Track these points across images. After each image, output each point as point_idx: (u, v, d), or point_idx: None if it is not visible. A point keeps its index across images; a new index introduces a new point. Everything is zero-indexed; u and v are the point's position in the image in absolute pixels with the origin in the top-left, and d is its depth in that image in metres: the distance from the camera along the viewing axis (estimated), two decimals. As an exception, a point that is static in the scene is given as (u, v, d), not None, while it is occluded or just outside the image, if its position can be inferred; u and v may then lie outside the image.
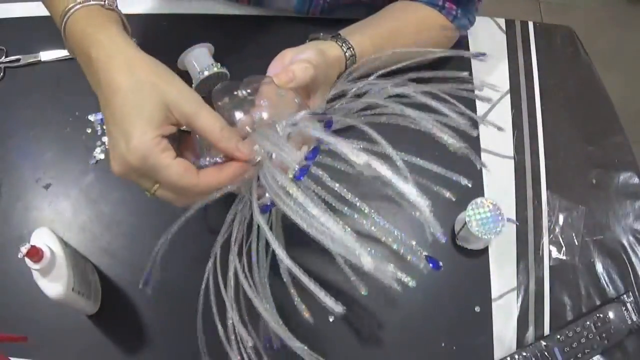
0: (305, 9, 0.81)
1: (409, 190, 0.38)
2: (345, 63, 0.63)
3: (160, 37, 0.78)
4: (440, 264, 0.51)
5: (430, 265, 0.50)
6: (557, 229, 0.73)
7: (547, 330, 0.68)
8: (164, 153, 0.43)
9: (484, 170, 0.76)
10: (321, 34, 0.66)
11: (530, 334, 0.68)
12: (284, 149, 0.44)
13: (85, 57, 0.46)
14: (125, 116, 0.43)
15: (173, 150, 0.44)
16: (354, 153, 0.39)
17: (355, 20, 0.75)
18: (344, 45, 0.63)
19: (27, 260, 0.51)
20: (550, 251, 0.72)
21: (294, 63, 0.54)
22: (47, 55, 0.77)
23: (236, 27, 0.82)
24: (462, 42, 0.80)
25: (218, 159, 0.47)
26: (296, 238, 0.47)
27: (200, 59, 0.71)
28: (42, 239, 0.55)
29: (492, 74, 0.83)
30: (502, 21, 0.87)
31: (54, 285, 0.54)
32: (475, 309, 0.68)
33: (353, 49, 0.64)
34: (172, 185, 0.44)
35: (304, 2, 0.80)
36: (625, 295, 0.69)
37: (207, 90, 0.68)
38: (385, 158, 0.42)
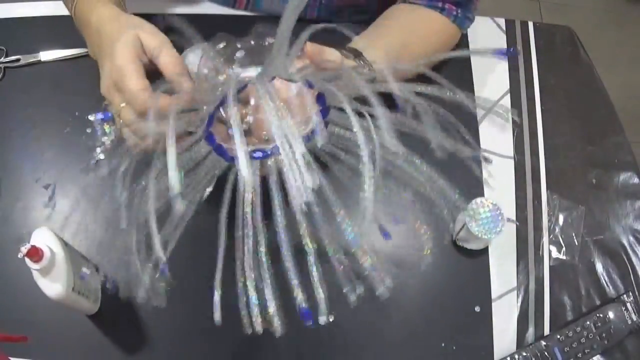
0: (303, 13, 0.81)
1: None
2: None
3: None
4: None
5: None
6: (557, 229, 0.73)
7: (547, 330, 0.68)
8: (135, 65, 0.51)
9: (484, 170, 0.75)
10: (343, 50, 0.66)
11: (530, 334, 0.68)
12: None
13: (87, 22, 0.60)
14: (111, 44, 0.53)
15: (143, 73, 0.52)
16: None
17: (353, 23, 0.75)
18: (366, 67, 0.63)
19: (27, 260, 0.51)
20: (550, 251, 0.72)
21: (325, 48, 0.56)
22: (47, 55, 0.77)
23: (236, 28, 0.82)
24: (461, 42, 0.80)
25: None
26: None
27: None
28: (42, 239, 0.55)
29: (492, 74, 0.83)
30: (502, 21, 0.87)
31: (54, 285, 0.54)
32: (475, 309, 0.68)
33: (374, 71, 0.63)
34: (131, 96, 0.50)
35: None
36: (625, 295, 0.69)
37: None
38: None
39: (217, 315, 0.46)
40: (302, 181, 0.36)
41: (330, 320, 0.65)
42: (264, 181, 0.45)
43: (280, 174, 0.45)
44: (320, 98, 0.49)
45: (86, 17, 0.60)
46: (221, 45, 0.53)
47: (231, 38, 0.55)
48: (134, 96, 0.50)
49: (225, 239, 0.47)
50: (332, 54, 0.56)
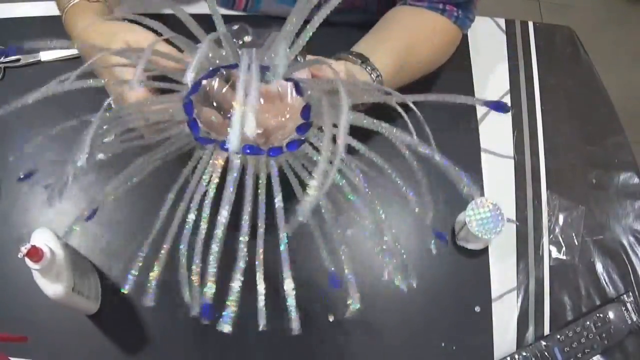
0: None
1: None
2: None
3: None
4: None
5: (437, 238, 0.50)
6: (557, 229, 0.73)
7: (547, 330, 0.68)
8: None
9: (484, 170, 0.76)
10: (350, 56, 0.64)
11: (530, 334, 0.68)
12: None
13: (72, 36, 0.62)
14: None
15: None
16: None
17: (352, 24, 0.75)
18: (373, 73, 0.63)
19: (27, 260, 0.51)
20: (550, 251, 0.72)
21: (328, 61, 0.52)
22: (47, 55, 0.77)
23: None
24: (462, 42, 0.80)
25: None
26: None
27: None
28: (42, 239, 0.55)
29: (492, 74, 0.83)
30: (502, 21, 0.87)
31: (54, 285, 0.54)
32: (475, 309, 0.68)
33: (381, 77, 0.63)
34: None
35: None
36: (625, 295, 0.69)
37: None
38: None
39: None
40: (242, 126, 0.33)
41: (331, 320, 0.66)
42: (224, 172, 0.44)
43: (243, 170, 0.44)
44: (305, 111, 0.46)
45: (71, 34, 0.62)
46: (234, 27, 0.52)
47: (246, 27, 0.54)
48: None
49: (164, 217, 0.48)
50: (335, 71, 0.52)
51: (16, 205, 0.70)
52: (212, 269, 0.41)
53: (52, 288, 0.54)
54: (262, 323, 0.43)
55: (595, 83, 0.84)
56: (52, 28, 0.80)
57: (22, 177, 0.51)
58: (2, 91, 0.76)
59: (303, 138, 0.45)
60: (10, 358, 0.58)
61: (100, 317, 0.64)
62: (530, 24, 0.87)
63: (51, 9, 0.81)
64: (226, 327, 0.40)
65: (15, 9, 0.81)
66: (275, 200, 0.44)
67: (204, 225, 0.43)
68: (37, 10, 0.81)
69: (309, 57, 0.53)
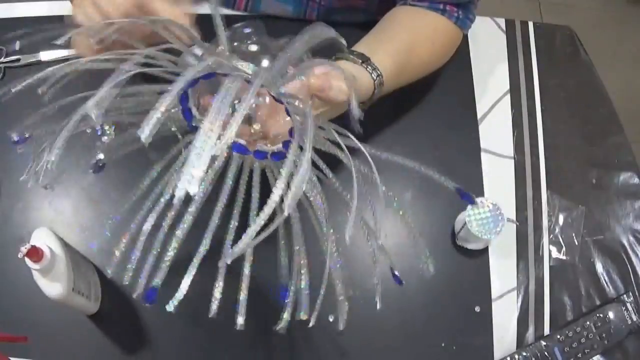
0: (302, 14, 0.81)
1: None
2: (372, 92, 0.62)
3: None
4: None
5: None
6: (557, 229, 0.73)
7: (547, 330, 0.68)
8: None
9: (484, 170, 0.76)
10: (351, 55, 0.63)
11: (530, 334, 0.68)
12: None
13: None
14: None
15: None
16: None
17: (352, 24, 0.75)
18: (373, 72, 0.62)
19: (27, 260, 0.51)
20: (550, 251, 0.72)
21: (334, 77, 0.51)
22: (47, 55, 0.77)
23: (236, 27, 0.82)
24: (462, 42, 0.80)
25: None
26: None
27: None
28: (42, 239, 0.55)
29: (492, 74, 0.83)
30: (502, 21, 0.87)
31: (54, 285, 0.54)
32: (475, 309, 0.68)
33: (382, 77, 0.62)
34: None
35: (300, 8, 0.80)
36: (625, 295, 0.69)
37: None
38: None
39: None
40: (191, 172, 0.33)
41: (331, 320, 0.66)
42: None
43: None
44: (291, 132, 0.47)
45: None
46: (246, 30, 0.52)
47: (264, 34, 0.54)
48: None
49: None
50: (340, 92, 0.51)
51: (16, 205, 0.70)
52: (170, 252, 0.44)
53: (52, 288, 0.54)
54: (241, 322, 0.45)
55: (595, 83, 0.84)
56: (52, 28, 0.80)
57: (15, 140, 0.52)
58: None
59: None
60: (10, 358, 0.58)
61: (100, 317, 0.64)
62: (530, 24, 0.87)
63: (51, 9, 0.81)
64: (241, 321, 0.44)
65: (15, 9, 0.81)
66: (252, 195, 0.46)
67: (172, 213, 0.46)
68: (37, 10, 0.81)
69: (307, 61, 0.53)
